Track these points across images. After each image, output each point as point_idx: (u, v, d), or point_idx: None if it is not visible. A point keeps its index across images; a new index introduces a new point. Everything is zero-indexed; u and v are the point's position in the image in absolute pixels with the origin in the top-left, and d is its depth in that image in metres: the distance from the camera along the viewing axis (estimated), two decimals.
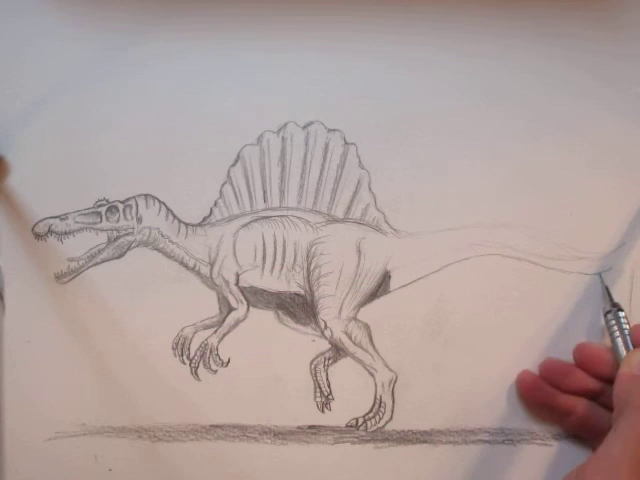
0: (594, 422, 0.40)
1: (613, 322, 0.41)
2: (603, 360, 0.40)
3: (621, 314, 0.41)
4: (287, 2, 0.48)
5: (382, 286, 0.44)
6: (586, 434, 0.41)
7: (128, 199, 0.45)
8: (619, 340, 0.40)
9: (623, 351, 0.39)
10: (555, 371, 0.41)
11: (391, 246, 0.45)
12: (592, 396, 0.40)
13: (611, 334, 0.40)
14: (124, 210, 0.45)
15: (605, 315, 0.41)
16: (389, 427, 0.42)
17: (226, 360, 0.43)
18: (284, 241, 0.45)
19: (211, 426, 0.42)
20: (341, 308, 0.44)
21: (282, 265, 0.44)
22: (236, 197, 0.45)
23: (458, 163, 0.46)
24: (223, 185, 0.46)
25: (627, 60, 0.47)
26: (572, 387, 0.40)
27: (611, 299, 0.42)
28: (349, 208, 0.45)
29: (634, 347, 0.39)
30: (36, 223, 0.45)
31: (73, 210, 0.45)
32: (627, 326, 0.40)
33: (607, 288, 0.43)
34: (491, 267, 0.44)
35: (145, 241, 0.45)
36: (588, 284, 0.43)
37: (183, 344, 0.43)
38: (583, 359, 0.41)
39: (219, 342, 0.43)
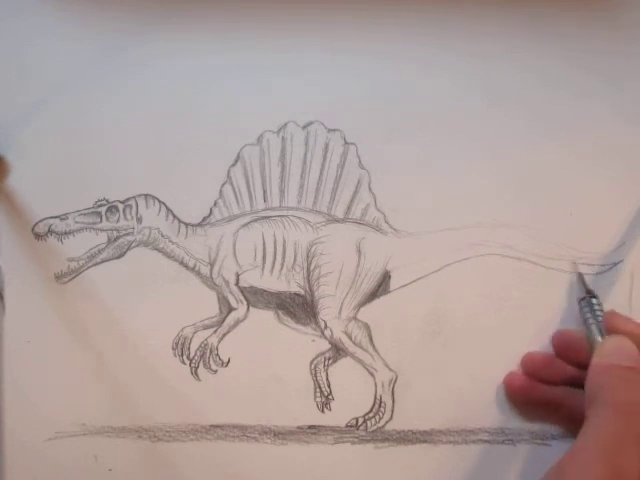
0: (583, 410, 0.39)
1: (587, 309, 0.40)
2: (580, 347, 0.40)
3: (594, 301, 0.41)
4: (287, 2, 0.48)
5: (382, 286, 0.44)
6: (580, 426, 0.40)
7: (128, 199, 0.46)
8: (593, 327, 0.40)
9: (598, 339, 0.39)
10: (536, 363, 0.41)
11: (391, 246, 0.45)
12: (576, 384, 0.40)
13: (585, 321, 0.40)
14: (124, 210, 0.45)
15: (579, 302, 0.41)
16: (389, 427, 0.42)
17: (226, 360, 0.43)
18: (284, 241, 0.45)
19: (211, 426, 0.42)
20: (341, 308, 0.44)
21: (282, 265, 0.44)
22: (236, 197, 0.45)
23: (458, 163, 0.46)
24: (223, 185, 0.46)
25: (627, 60, 0.47)
26: (555, 377, 0.41)
27: (585, 286, 0.42)
28: (349, 208, 0.45)
29: (607, 334, 0.39)
30: (36, 223, 0.45)
31: (73, 210, 0.45)
32: (600, 313, 0.40)
33: (581, 274, 0.43)
34: (491, 267, 0.44)
35: (145, 241, 0.45)
36: (588, 284, 0.43)
37: (183, 344, 0.43)
38: (560, 346, 0.41)
39: (219, 342, 0.43)
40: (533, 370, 0.42)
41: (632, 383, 0.36)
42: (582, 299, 0.41)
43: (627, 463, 0.34)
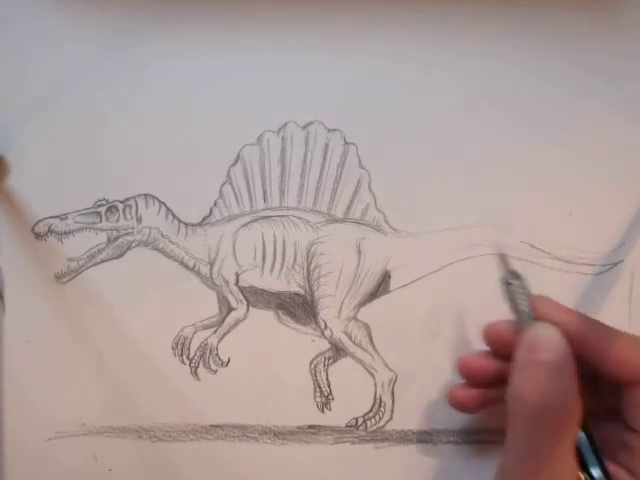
0: None
1: (513, 293, 0.36)
2: (512, 340, 0.35)
3: (520, 284, 0.37)
4: (287, 2, 0.48)
5: (382, 286, 0.44)
6: None
7: (128, 199, 0.46)
8: (522, 315, 0.36)
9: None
10: (471, 370, 0.38)
11: (391, 246, 0.45)
12: None
13: (512, 307, 0.36)
14: (124, 210, 0.45)
15: (505, 285, 0.37)
16: (389, 427, 0.42)
17: (226, 360, 0.43)
18: (284, 241, 0.45)
19: (211, 426, 0.42)
20: (341, 308, 0.44)
21: (282, 265, 0.44)
22: (236, 197, 0.45)
23: (458, 163, 0.46)
24: (223, 185, 0.46)
25: (627, 60, 0.47)
26: (494, 381, 0.37)
27: (508, 267, 0.38)
28: (349, 208, 0.45)
29: (535, 320, 0.35)
30: (36, 223, 0.45)
31: (73, 210, 0.45)
32: (527, 298, 0.36)
33: (504, 255, 0.39)
34: (491, 267, 0.44)
35: (145, 241, 0.45)
36: (588, 284, 0.43)
37: (183, 344, 0.43)
38: (491, 343, 0.37)
39: (219, 342, 0.43)
40: (472, 377, 0.38)
41: (546, 383, 0.31)
42: (508, 283, 0.37)
43: (563, 467, 0.30)
